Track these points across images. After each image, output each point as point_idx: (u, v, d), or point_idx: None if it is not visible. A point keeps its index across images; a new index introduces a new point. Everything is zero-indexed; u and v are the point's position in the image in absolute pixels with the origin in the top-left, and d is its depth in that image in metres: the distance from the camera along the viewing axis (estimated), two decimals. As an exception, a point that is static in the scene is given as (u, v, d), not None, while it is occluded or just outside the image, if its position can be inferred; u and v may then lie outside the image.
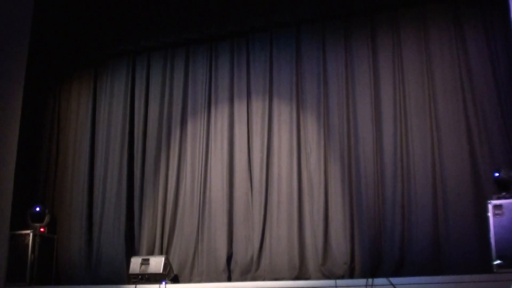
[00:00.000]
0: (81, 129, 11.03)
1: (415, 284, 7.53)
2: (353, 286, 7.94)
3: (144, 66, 10.88)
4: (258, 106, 9.93)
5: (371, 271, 8.37)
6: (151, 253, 9.80)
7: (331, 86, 9.55)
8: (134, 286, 8.95)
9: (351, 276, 8.56)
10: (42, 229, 10.04)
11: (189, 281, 9.41)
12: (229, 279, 9.26)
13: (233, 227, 9.61)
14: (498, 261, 7.40)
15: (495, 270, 7.40)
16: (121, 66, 11.03)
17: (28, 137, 10.66)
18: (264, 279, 8.96)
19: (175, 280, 9.41)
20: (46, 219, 10.20)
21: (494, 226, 7.59)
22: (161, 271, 9.07)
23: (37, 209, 10.16)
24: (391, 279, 7.62)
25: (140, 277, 9.09)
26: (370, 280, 7.79)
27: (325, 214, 9.06)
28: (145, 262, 9.24)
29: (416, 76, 9.10)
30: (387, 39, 9.42)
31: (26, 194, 10.53)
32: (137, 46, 10.83)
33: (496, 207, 7.67)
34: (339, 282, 8.07)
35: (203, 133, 10.15)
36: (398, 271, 8.30)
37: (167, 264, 9.25)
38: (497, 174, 7.94)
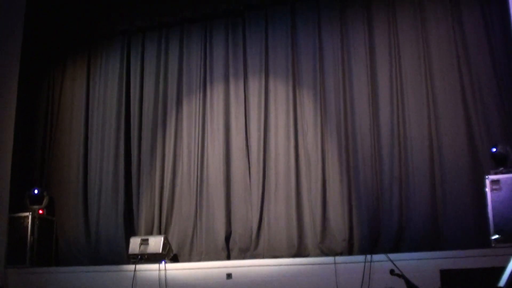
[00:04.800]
0: (76, 110, 10.99)
1: (413, 259, 7.57)
2: (352, 262, 7.99)
3: (139, 46, 10.82)
4: (254, 85, 9.89)
5: (370, 248, 8.40)
6: (150, 233, 9.83)
7: (327, 64, 9.52)
8: (133, 266, 8.98)
9: (349, 253, 8.60)
10: (40, 211, 10.04)
11: (189, 260, 9.45)
12: (228, 258, 9.30)
13: (231, 206, 9.62)
14: (496, 236, 7.43)
15: (493, 245, 7.43)
16: (115, 47, 10.98)
17: (24, 120, 10.65)
18: (263, 257, 9.00)
19: (175, 259, 9.45)
20: (45, 201, 10.19)
21: (492, 201, 7.61)
22: (160, 251, 9.10)
23: (36, 191, 10.16)
24: (389, 255, 7.66)
25: (139, 257, 9.11)
26: (368, 256, 7.83)
27: (323, 191, 9.07)
28: (144, 242, 9.26)
29: (413, 52, 9.07)
30: (383, 16, 9.37)
31: (24, 177, 10.53)
32: (131, 26, 10.77)
33: (493, 182, 7.68)
34: (338, 259, 8.11)
35: (199, 112, 10.12)
36: (396, 247, 8.33)
37: (166, 243, 9.28)
38: (494, 149, 7.95)
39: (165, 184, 10.06)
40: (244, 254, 9.24)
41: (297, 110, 9.55)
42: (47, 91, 11.22)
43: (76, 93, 11.08)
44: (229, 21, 10.30)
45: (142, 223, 9.97)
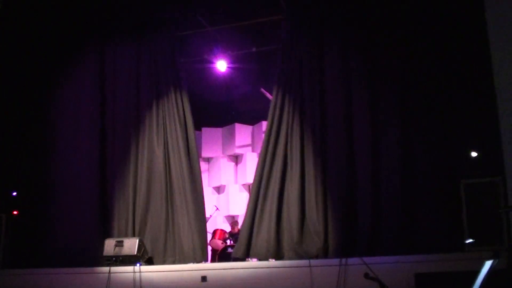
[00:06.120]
0: (52, 112, 10.94)
1: (388, 263, 7.59)
2: (327, 265, 7.99)
3: (112, 50, 10.84)
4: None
5: (345, 251, 8.39)
6: (125, 235, 9.77)
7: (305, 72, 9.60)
8: (108, 268, 8.91)
9: (325, 256, 8.59)
10: (15, 212, 9.95)
11: (163, 262, 9.43)
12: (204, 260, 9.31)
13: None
14: (470, 240, 7.47)
15: (467, 249, 7.49)
16: (89, 50, 10.95)
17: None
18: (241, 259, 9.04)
19: (149, 262, 9.39)
20: (19, 202, 10.11)
21: (467, 205, 7.68)
22: (135, 253, 9.04)
23: (13, 193, 10.10)
24: (364, 258, 7.67)
25: (114, 259, 9.05)
26: (343, 259, 7.84)
27: (301, 195, 9.09)
28: (119, 244, 9.20)
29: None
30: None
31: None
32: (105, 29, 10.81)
33: (467, 186, 7.75)
34: (313, 262, 8.11)
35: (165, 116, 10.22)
36: (371, 251, 8.33)
37: (141, 245, 9.22)
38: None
39: (138, 186, 10.07)
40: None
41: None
42: (26, 95, 11.13)
43: (52, 95, 11.02)
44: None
45: (116, 225, 9.93)
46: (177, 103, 10.16)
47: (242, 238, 9.22)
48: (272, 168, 9.32)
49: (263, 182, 9.33)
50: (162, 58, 10.46)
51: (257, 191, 9.32)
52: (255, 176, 9.48)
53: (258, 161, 9.51)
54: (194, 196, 9.75)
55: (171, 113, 10.15)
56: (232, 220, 11.29)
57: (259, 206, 9.26)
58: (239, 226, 9.79)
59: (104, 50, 10.83)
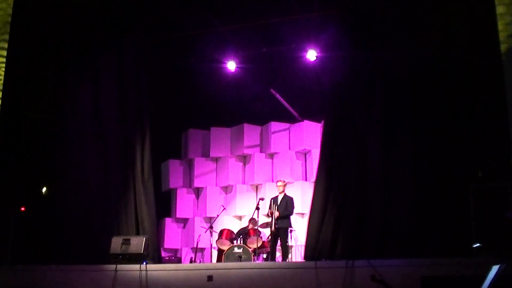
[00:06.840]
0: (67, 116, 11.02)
1: (394, 266, 7.57)
2: (333, 267, 7.98)
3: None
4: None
5: (352, 253, 8.38)
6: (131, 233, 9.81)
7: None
8: (115, 265, 8.93)
9: (331, 257, 8.60)
10: (22, 208, 9.97)
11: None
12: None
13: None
14: (477, 244, 7.46)
15: (474, 253, 7.47)
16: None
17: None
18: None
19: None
20: (28, 199, 10.15)
21: (475, 210, 7.66)
22: (142, 251, 9.05)
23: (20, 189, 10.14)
24: (371, 261, 7.66)
25: (121, 257, 9.05)
26: (350, 261, 7.82)
27: (325, 197, 9.11)
28: (126, 242, 9.20)
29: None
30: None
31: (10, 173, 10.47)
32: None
33: (477, 191, 7.74)
34: (319, 263, 8.10)
35: None
36: (378, 253, 8.32)
37: (148, 244, 9.23)
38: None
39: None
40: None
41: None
42: (38, 93, 11.19)
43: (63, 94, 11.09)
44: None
45: (123, 224, 9.97)
46: (137, 108, 10.40)
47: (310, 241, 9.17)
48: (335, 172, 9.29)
49: (329, 186, 9.25)
50: (128, 64, 10.65)
51: (325, 195, 9.21)
52: (319, 178, 9.42)
53: (321, 164, 9.45)
54: (146, 198, 9.90)
55: (135, 119, 10.36)
56: (251, 219, 11.16)
57: (327, 210, 9.13)
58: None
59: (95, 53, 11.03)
